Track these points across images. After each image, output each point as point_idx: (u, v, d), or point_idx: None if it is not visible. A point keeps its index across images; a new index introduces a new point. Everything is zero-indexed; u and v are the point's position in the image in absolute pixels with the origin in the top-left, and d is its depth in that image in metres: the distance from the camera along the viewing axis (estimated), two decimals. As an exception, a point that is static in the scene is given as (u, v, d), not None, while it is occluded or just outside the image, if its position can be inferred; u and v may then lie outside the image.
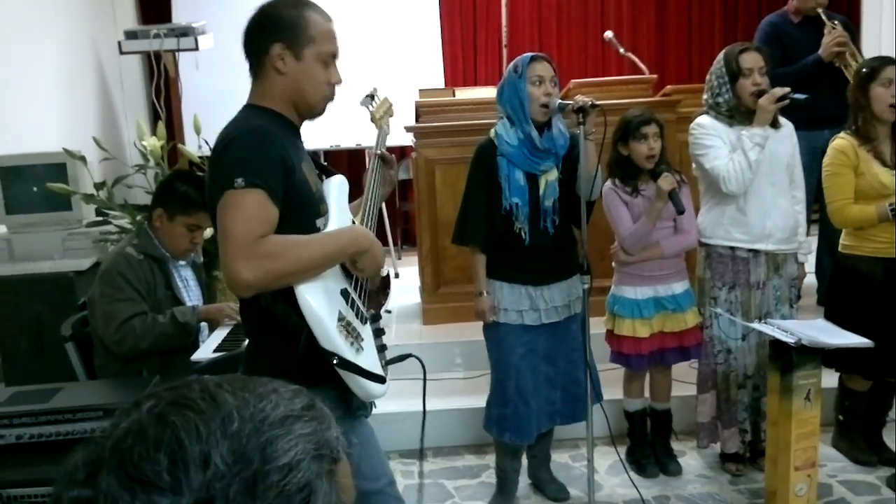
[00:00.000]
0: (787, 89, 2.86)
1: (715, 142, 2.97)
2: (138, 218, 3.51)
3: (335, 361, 1.69)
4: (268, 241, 1.66)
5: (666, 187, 2.87)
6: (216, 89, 4.63)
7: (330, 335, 1.69)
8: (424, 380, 1.89)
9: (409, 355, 1.91)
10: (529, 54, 2.78)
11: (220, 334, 2.90)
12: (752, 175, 2.90)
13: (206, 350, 2.77)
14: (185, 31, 4.18)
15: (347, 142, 5.79)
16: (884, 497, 2.98)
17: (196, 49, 4.24)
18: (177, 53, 4.37)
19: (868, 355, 2.80)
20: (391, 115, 2.29)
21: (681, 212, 2.90)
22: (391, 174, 2.13)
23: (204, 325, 2.98)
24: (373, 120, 2.19)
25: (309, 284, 1.70)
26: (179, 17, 5.48)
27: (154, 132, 4.16)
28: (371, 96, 2.22)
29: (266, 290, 1.69)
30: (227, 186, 1.65)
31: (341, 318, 1.75)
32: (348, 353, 1.72)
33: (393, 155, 2.18)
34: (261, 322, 1.80)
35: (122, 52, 4.38)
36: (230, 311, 2.88)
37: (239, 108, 1.85)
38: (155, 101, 4.35)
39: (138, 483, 0.59)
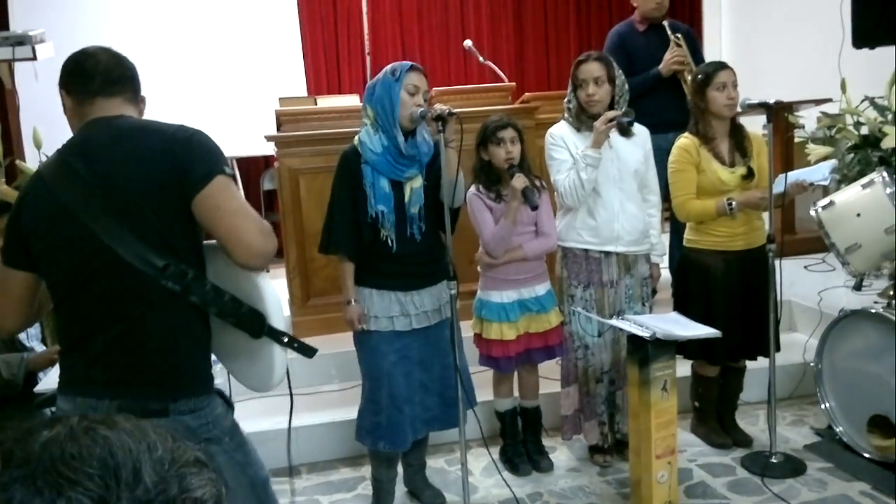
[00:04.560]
0: (618, 112, 3.02)
1: (560, 154, 3.09)
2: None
3: (286, 340, 1.85)
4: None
5: (518, 186, 2.94)
6: (58, 101, 4.34)
7: (282, 316, 1.88)
8: (291, 395, 1.88)
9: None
10: (409, 63, 2.78)
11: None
12: (585, 192, 3.04)
13: (53, 381, 2.58)
14: (21, 40, 3.90)
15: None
16: (739, 477, 3.16)
17: (34, 59, 3.97)
18: (13, 63, 4.07)
19: (712, 343, 2.98)
20: None
21: (534, 207, 2.96)
22: None
23: (33, 329, 2.78)
24: None
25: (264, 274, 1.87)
26: (17, 25, 5.12)
27: (-11, 148, 3.86)
28: None
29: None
30: (219, 171, 1.75)
31: None
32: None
33: None
34: (174, 324, 1.79)
35: (-51, 63, 4.04)
36: (56, 357, 2.68)
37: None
38: (-12, 114, 4.04)
39: (67, 481, 0.60)
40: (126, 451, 0.63)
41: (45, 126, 3.91)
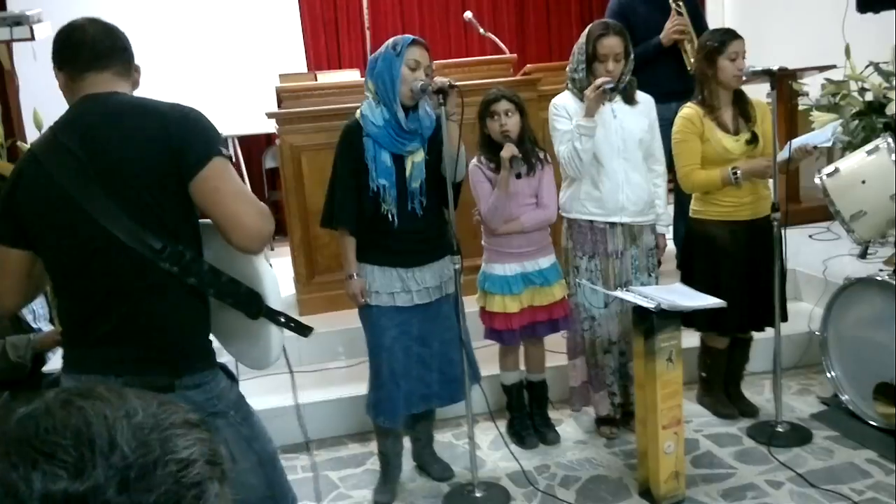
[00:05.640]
0: (605, 79, 2.94)
1: (563, 125, 3.06)
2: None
3: (282, 320, 1.85)
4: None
5: (505, 155, 2.92)
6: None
7: (279, 295, 1.88)
8: (292, 373, 1.92)
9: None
10: (411, 37, 2.74)
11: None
12: (582, 162, 3.01)
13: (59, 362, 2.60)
14: (19, 20, 3.87)
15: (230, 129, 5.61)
16: (746, 446, 3.18)
17: (32, 39, 3.94)
18: (11, 44, 4.04)
19: (722, 314, 2.97)
20: None
21: (517, 176, 2.95)
22: None
23: (41, 309, 2.77)
24: None
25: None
26: (14, 5, 5.09)
27: (-10, 130, 3.85)
28: None
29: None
30: (216, 153, 1.74)
31: None
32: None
33: None
34: (175, 304, 1.79)
35: (-53, 45, 4.01)
36: (59, 338, 2.69)
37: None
38: (-12, 96, 4.03)
39: (41, 455, 0.60)
40: (101, 419, 0.63)
41: (45, 106, 3.89)
